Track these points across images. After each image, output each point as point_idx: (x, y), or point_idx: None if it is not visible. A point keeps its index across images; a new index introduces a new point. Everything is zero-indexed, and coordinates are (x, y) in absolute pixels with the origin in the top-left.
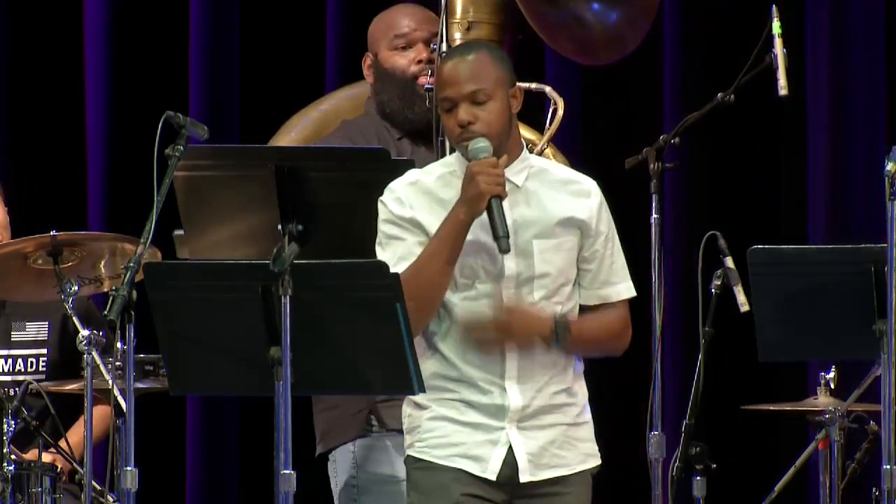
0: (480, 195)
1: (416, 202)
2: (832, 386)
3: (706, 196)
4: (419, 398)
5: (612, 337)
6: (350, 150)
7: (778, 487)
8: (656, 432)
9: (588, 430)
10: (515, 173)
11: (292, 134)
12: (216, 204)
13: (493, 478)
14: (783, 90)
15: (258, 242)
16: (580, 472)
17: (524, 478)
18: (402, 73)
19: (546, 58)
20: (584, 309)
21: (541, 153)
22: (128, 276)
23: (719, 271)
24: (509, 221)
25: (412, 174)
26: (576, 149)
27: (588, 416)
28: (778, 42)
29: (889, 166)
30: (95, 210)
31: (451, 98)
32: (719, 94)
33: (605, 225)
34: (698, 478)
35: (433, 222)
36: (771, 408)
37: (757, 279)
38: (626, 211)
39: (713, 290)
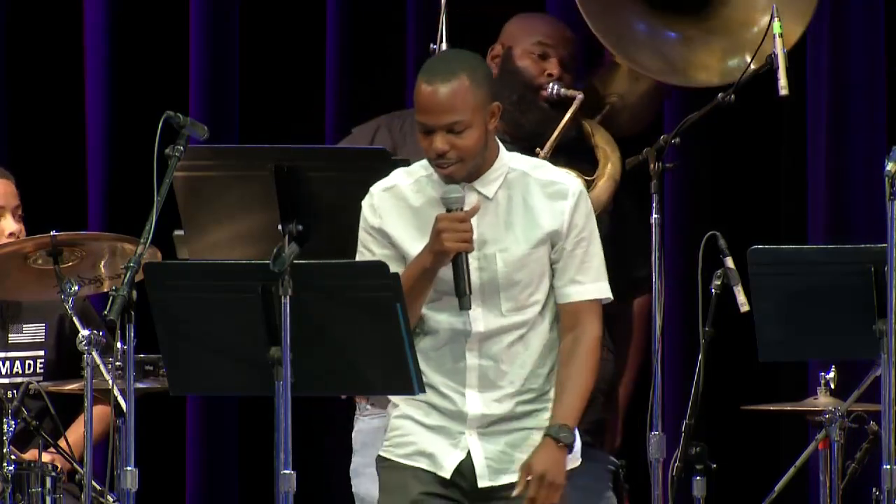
0: (446, 252)
1: (387, 210)
2: (832, 386)
3: (706, 196)
4: (395, 397)
5: (593, 371)
6: (350, 149)
7: (778, 487)
8: (656, 432)
9: None
10: (487, 184)
11: None
12: (216, 204)
13: (447, 476)
14: (783, 90)
15: (258, 242)
16: None
17: (482, 483)
18: (532, 78)
19: None
20: (559, 308)
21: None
22: (128, 276)
23: (719, 271)
24: (475, 234)
25: (394, 176)
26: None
27: None
28: (778, 42)
29: (889, 166)
30: (95, 210)
31: (427, 125)
32: (719, 94)
33: (579, 224)
34: (698, 478)
35: (400, 232)
36: (771, 408)
37: (757, 279)
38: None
39: (713, 290)
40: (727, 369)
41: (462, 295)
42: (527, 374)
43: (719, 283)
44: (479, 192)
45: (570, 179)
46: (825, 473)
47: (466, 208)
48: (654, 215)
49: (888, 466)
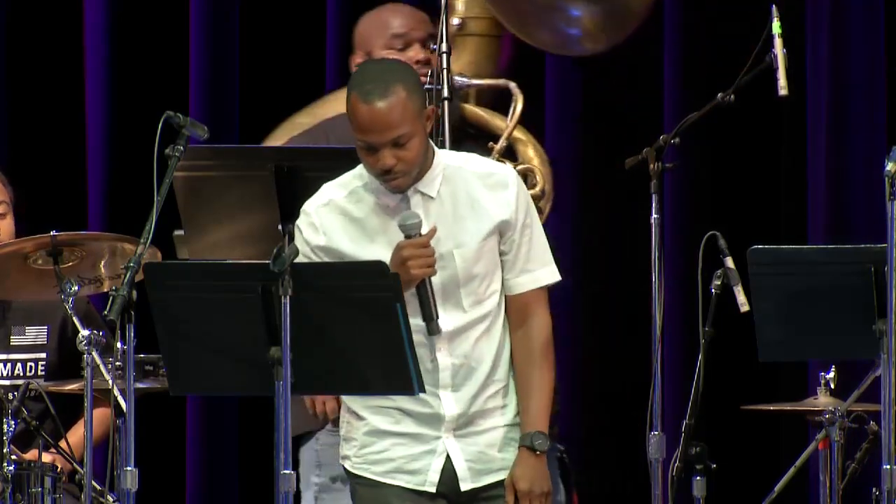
0: (412, 280)
1: (329, 226)
2: (832, 386)
3: (706, 196)
4: (356, 406)
5: (552, 366)
6: (350, 150)
7: (778, 487)
8: (656, 432)
9: None
10: (429, 183)
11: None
12: (216, 204)
13: (433, 490)
14: (783, 90)
15: (258, 242)
16: None
17: (465, 486)
18: None
19: (546, 62)
20: (508, 301)
21: (501, 151)
22: (128, 276)
23: (719, 271)
24: (425, 231)
25: (325, 192)
26: (576, 149)
27: None
28: (778, 42)
29: (889, 166)
30: (95, 210)
31: (371, 143)
32: (719, 94)
33: (523, 213)
34: (698, 478)
35: (347, 244)
36: (771, 408)
37: (757, 279)
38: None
39: (713, 290)
40: (727, 369)
41: (430, 320)
42: (491, 366)
43: (719, 283)
44: (423, 193)
45: (504, 168)
46: (825, 473)
47: (421, 213)
48: (654, 215)
49: (888, 466)
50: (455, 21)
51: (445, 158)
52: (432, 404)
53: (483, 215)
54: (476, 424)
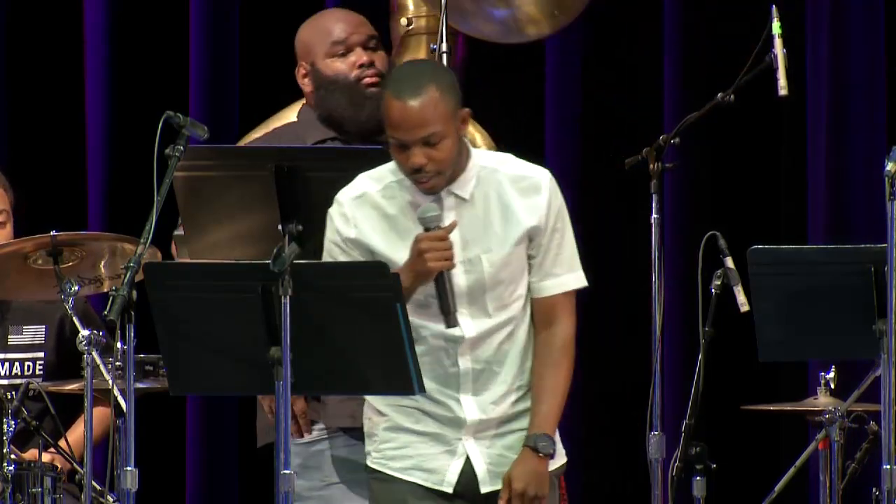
0: (428, 272)
1: (361, 219)
2: (832, 386)
3: (706, 196)
4: (379, 404)
5: (569, 372)
6: (350, 149)
7: (778, 487)
8: (656, 432)
9: None
10: (462, 185)
11: None
12: (216, 204)
13: (451, 490)
14: (783, 90)
15: (258, 242)
16: None
17: (484, 489)
18: (346, 78)
19: (546, 62)
20: (534, 303)
21: None
22: (128, 276)
23: (719, 271)
24: (457, 237)
25: (359, 184)
26: (576, 149)
27: None
28: (778, 42)
29: (889, 166)
30: (95, 210)
31: (402, 140)
32: (719, 94)
33: (554, 218)
34: (698, 478)
35: (379, 241)
36: (771, 408)
37: (757, 279)
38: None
39: (713, 290)
40: (727, 369)
41: (447, 313)
42: (515, 371)
43: (719, 283)
44: (456, 195)
45: (538, 171)
46: (825, 473)
47: (447, 215)
48: (654, 215)
49: (888, 466)
50: (403, 21)
51: (481, 160)
52: (453, 408)
53: (513, 222)
54: (498, 428)
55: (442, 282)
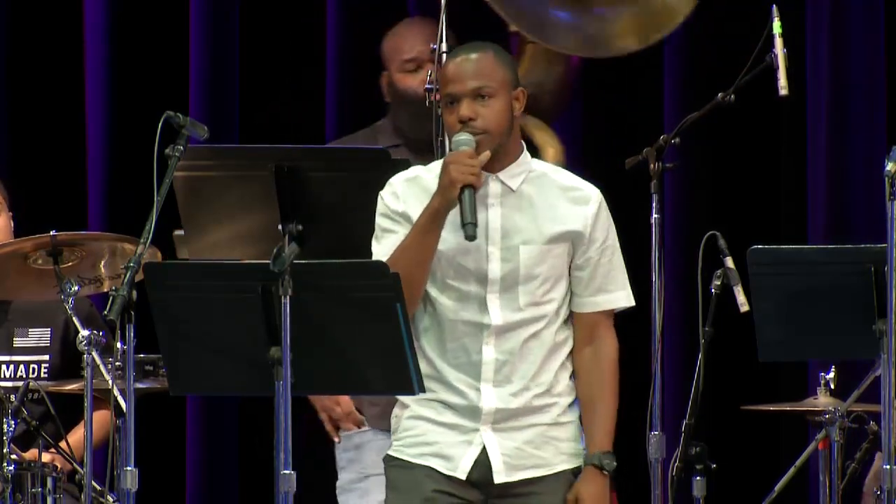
0: (451, 183)
1: (410, 197)
2: (832, 386)
3: (706, 196)
4: (404, 397)
5: (617, 389)
6: (350, 149)
7: (778, 487)
8: (656, 432)
9: (570, 430)
10: (512, 176)
11: None
12: (216, 204)
13: (463, 477)
14: (783, 90)
15: (258, 242)
16: (560, 472)
17: (498, 479)
18: (415, 94)
19: None
20: (577, 318)
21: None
22: (128, 276)
23: (719, 271)
24: (498, 224)
25: (414, 170)
26: (576, 149)
27: (572, 415)
28: (778, 42)
29: (889, 166)
30: (95, 210)
31: (453, 94)
32: (719, 94)
33: (602, 232)
34: (698, 478)
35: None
36: (771, 408)
37: (757, 279)
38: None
39: (713, 290)
40: (727, 369)
41: (467, 223)
42: (536, 370)
43: (719, 283)
44: (504, 183)
45: (590, 186)
46: (825, 473)
47: (492, 202)
48: (654, 215)
49: (888, 466)
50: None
51: (534, 163)
52: (472, 397)
53: (557, 220)
54: (516, 420)
55: (465, 198)
